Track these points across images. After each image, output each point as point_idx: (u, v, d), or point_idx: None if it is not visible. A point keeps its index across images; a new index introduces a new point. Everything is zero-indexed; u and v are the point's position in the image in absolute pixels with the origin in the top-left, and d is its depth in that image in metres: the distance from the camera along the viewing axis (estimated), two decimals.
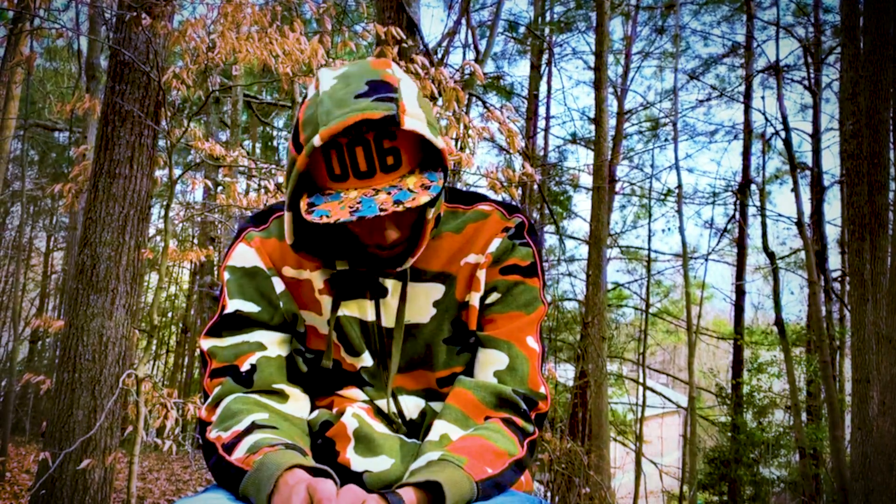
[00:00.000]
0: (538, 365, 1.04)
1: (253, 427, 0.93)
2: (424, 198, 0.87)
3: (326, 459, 1.01)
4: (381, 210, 0.85)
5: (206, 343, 1.04)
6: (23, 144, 10.40)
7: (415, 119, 0.90)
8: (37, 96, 12.36)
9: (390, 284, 1.03)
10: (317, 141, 0.88)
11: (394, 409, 1.05)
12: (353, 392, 1.06)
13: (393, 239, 0.95)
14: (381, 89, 0.90)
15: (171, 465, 9.93)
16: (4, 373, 11.57)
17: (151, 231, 11.64)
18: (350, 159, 0.89)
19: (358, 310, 1.04)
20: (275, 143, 15.97)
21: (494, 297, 1.05)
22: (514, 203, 1.11)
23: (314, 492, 0.76)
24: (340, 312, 1.04)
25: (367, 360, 1.05)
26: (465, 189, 1.13)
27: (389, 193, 0.88)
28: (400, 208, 0.85)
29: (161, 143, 4.43)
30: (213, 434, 0.95)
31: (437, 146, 0.92)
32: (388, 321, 1.04)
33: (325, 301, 1.04)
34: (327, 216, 0.87)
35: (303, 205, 0.91)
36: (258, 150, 15.47)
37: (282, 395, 1.02)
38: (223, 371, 1.01)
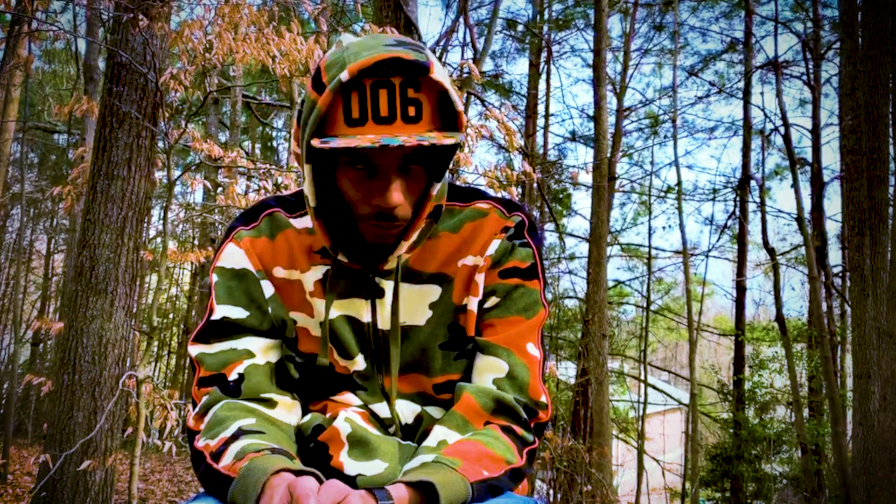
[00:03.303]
0: (539, 372, 1.01)
1: (240, 433, 0.91)
2: (448, 141, 0.85)
3: (319, 463, 0.99)
4: (406, 142, 0.83)
5: (194, 349, 1.01)
6: (22, 147, 10.42)
7: (442, 75, 0.87)
8: (36, 99, 12.37)
9: (387, 286, 1.00)
10: (344, 76, 0.84)
11: (387, 413, 1.02)
12: (347, 397, 1.03)
13: (397, 202, 0.90)
14: (410, 44, 0.89)
15: (173, 466, 9.93)
16: (6, 375, 11.59)
17: (151, 232, 11.65)
18: (372, 102, 0.85)
19: (353, 310, 1.01)
20: (274, 143, 16.02)
21: (493, 301, 1.01)
22: (512, 199, 1.07)
23: (293, 489, 0.75)
24: (335, 313, 1.01)
25: (360, 363, 1.02)
26: (462, 185, 1.08)
27: (410, 138, 0.86)
28: (426, 143, 0.83)
29: (160, 144, 4.43)
30: (200, 443, 0.94)
31: (457, 108, 0.89)
32: (383, 323, 1.01)
33: (317, 303, 1.01)
34: (346, 146, 0.84)
35: (315, 142, 0.86)
36: (258, 151, 15.48)
37: (270, 403, 1.00)
38: (211, 380, 0.99)
